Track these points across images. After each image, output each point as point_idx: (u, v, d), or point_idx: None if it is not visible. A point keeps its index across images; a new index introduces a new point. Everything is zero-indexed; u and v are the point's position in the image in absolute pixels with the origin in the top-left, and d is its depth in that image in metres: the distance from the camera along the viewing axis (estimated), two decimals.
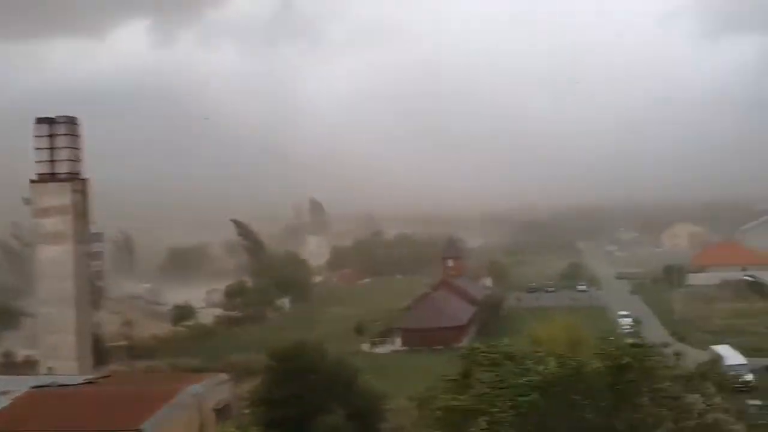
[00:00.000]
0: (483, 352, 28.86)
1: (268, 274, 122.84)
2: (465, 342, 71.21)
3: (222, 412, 35.35)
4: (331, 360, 42.85)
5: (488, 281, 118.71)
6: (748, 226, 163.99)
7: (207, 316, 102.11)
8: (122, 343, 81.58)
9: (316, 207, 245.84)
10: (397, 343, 77.05)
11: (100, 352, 58.08)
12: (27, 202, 52.75)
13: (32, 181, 51.31)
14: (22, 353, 70.18)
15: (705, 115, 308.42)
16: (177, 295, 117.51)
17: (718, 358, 50.84)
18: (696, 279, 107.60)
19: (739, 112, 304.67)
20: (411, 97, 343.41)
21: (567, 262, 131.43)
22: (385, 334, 79.62)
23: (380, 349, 76.21)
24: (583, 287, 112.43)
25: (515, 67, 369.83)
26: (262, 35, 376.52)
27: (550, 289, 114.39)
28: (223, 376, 37.99)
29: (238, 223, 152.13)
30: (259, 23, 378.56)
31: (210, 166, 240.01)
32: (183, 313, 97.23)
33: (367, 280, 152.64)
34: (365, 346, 76.66)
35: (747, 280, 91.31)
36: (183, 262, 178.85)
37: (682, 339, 62.69)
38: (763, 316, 73.08)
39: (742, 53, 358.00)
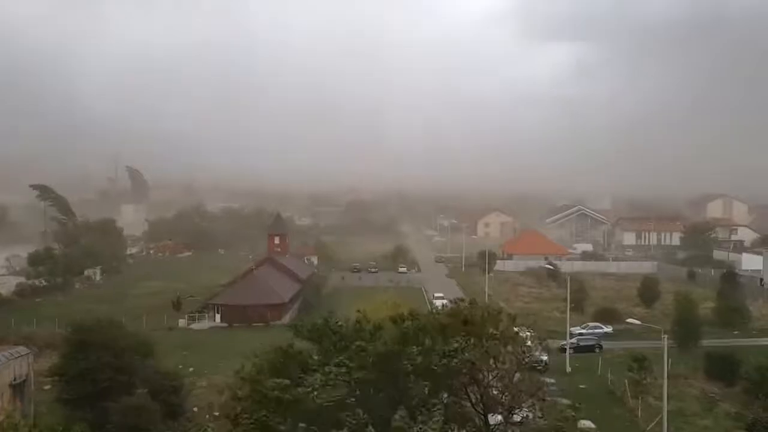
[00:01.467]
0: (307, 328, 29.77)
1: (78, 242, 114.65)
2: (286, 319, 71.59)
3: (19, 388, 32.86)
4: (129, 335, 41.38)
5: (313, 260, 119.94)
6: (551, 219, 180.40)
7: (6, 284, 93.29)
8: None
9: (134, 174, 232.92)
10: (216, 320, 75.53)
11: None
12: None
13: None
14: None
15: (520, 112, 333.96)
16: None
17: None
18: (505, 265, 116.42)
19: (550, 112, 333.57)
20: (228, 67, 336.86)
21: (390, 244, 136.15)
22: (204, 310, 77.73)
23: (197, 325, 74.31)
24: (404, 269, 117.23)
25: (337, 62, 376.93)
26: None
27: (372, 269, 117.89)
28: (22, 349, 35.35)
29: (42, 188, 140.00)
30: None
31: (15, 121, 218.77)
32: None
33: (188, 253, 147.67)
34: (182, 322, 74.34)
35: (547, 268, 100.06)
36: None
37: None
38: (558, 301, 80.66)
39: (555, 57, 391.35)
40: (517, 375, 29.54)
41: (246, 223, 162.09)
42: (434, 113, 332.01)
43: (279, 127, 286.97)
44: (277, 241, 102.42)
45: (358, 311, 32.22)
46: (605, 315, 70.96)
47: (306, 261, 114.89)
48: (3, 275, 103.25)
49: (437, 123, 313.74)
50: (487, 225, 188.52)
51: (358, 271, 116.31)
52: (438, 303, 64.02)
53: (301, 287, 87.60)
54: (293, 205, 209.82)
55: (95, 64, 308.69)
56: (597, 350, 59.85)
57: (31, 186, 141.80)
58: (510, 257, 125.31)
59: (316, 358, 27.66)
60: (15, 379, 32.50)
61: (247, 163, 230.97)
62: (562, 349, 56.59)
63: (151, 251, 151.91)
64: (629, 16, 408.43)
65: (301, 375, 25.87)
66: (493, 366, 28.99)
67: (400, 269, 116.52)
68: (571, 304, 63.04)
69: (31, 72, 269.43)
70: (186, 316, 75.74)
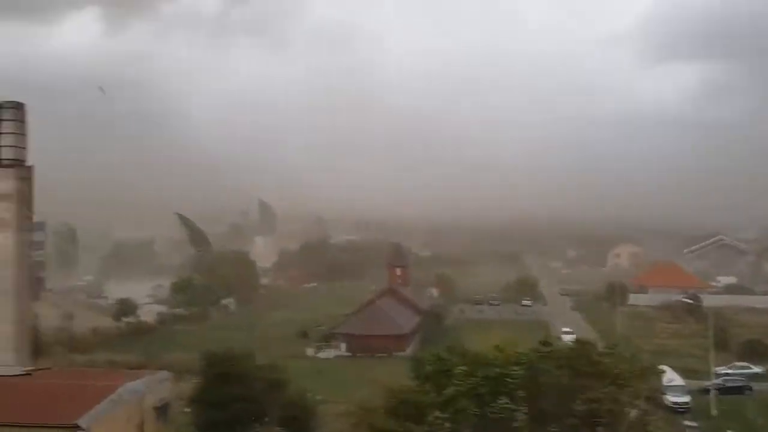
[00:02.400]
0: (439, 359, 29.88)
1: (215, 272, 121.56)
2: (408, 351, 72.06)
3: (162, 411, 35.20)
4: (262, 366, 43.07)
5: (434, 291, 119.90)
6: (689, 250, 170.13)
7: (150, 312, 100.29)
8: (62, 336, 79.51)
9: (264, 208, 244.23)
10: (341, 349, 77.30)
11: (38, 344, 56.65)
12: None
13: None
14: None
15: (650, 138, 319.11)
16: (120, 289, 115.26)
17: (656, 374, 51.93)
18: (637, 299, 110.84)
19: (682, 137, 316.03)
20: (361, 103, 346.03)
21: (512, 275, 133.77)
22: (329, 339, 79.79)
23: (324, 354, 76.34)
24: (528, 302, 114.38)
25: (468, 83, 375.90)
26: (215, 30, 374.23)
27: (494, 302, 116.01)
28: (164, 374, 37.84)
29: (182, 218, 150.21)
30: (212, 18, 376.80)
31: (158, 160, 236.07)
32: (125, 308, 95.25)
33: (313, 284, 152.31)
34: (310, 351, 76.67)
35: (685, 303, 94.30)
36: (127, 256, 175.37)
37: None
38: (698, 338, 75.79)
39: (684, 79, 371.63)
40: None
41: (369, 255, 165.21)
42: (554, 133, 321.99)
43: (396, 158, 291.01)
44: (398, 272, 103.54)
45: (498, 347, 31.22)
46: (754, 353, 65.70)
47: (427, 292, 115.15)
48: (149, 304, 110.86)
49: (557, 145, 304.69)
50: (617, 256, 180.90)
51: (480, 303, 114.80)
52: (566, 338, 62.18)
53: (421, 319, 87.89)
54: (414, 236, 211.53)
55: (219, 100, 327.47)
56: (746, 392, 55.40)
57: (175, 213, 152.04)
58: (644, 290, 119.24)
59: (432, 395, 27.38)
60: (158, 403, 34.86)
61: (369, 195, 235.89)
62: (706, 391, 52.92)
63: (281, 282, 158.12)
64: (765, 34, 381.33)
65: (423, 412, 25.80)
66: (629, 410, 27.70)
67: (524, 302, 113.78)
68: (714, 341, 59.09)
69: (160, 106, 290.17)
70: (313, 345, 78.04)
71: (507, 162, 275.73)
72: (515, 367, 27.61)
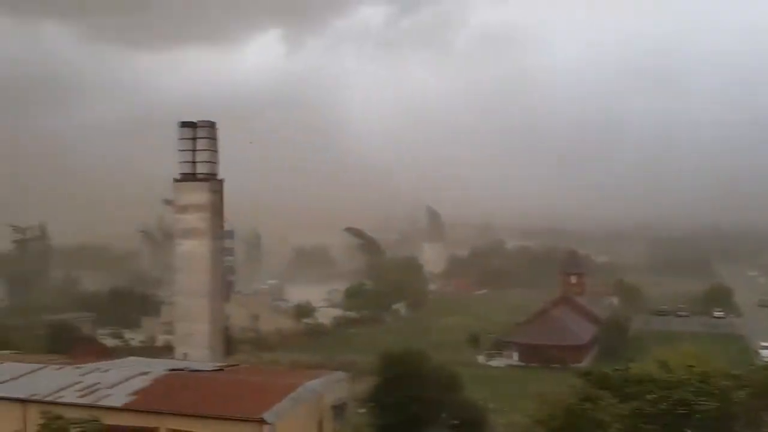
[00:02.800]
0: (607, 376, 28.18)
1: (386, 278, 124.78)
2: (585, 363, 69.16)
3: (339, 410, 36.61)
4: (438, 369, 43.18)
5: (613, 300, 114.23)
6: None
7: (326, 314, 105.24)
8: (250, 335, 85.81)
9: (432, 215, 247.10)
10: (512, 358, 75.98)
11: (229, 342, 61.42)
12: (168, 202, 56.79)
13: (175, 180, 55.20)
14: (160, 338, 75.60)
15: None
16: (299, 292, 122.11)
17: None
18: None
19: None
20: (532, 108, 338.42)
21: (702, 285, 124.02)
22: (501, 347, 78.75)
23: (495, 362, 75.48)
24: (720, 313, 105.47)
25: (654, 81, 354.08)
26: (386, 42, 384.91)
27: (682, 313, 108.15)
28: (341, 374, 39.27)
29: (353, 231, 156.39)
30: (382, 31, 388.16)
31: (333, 171, 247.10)
32: (304, 310, 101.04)
33: (483, 290, 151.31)
34: (481, 358, 76.18)
35: None
36: (306, 261, 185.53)
37: None
38: None
39: None
40: None
41: (540, 262, 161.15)
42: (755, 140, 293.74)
43: (568, 162, 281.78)
44: (573, 280, 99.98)
45: (691, 366, 28.43)
46: None
47: (605, 302, 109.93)
48: (325, 307, 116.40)
49: (747, 146, 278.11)
50: None
51: (665, 314, 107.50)
52: (765, 354, 56.64)
53: (600, 329, 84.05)
54: (590, 242, 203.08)
55: (388, 110, 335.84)
56: None
57: (345, 229, 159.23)
58: None
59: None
60: (336, 402, 36.28)
61: (541, 202, 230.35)
62: None
63: (450, 288, 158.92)
64: None
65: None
66: None
67: (716, 313, 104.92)
68: None
69: (334, 119, 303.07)
70: (484, 352, 77.43)
71: (689, 164, 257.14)
72: (703, 398, 24.64)
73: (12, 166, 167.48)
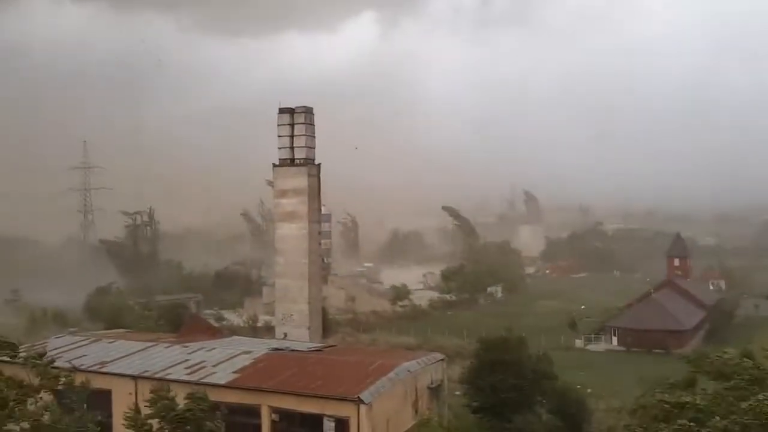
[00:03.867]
0: (711, 361, 27.09)
1: (482, 261, 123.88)
2: (689, 348, 66.47)
3: (435, 391, 37.00)
4: (533, 355, 42.74)
5: (721, 284, 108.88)
6: None
7: (422, 297, 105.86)
8: (346, 316, 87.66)
9: (529, 198, 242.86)
10: (612, 342, 74.02)
11: (327, 323, 63.06)
12: (270, 184, 58.66)
13: (275, 166, 56.96)
14: (262, 318, 78.53)
15: None
16: (395, 275, 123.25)
17: None
18: None
19: None
20: (625, 90, 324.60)
21: None
22: (600, 332, 76.84)
23: (594, 347, 73.78)
24: None
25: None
26: (477, 22, 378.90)
27: None
28: (438, 356, 39.65)
29: (450, 210, 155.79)
30: (474, 10, 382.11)
31: (429, 154, 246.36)
32: (400, 293, 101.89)
33: (582, 274, 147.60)
34: (579, 342, 74.67)
35: None
36: (401, 245, 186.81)
37: None
38: None
39: None
40: None
41: (642, 245, 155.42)
42: None
43: (669, 141, 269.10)
44: (677, 263, 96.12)
45: None
46: None
47: (712, 286, 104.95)
48: (420, 290, 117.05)
49: None
50: None
51: None
52: None
53: (706, 315, 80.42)
54: (695, 225, 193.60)
55: (483, 93, 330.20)
56: None
57: (443, 208, 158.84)
58: None
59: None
60: (432, 383, 36.67)
61: (641, 184, 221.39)
62: None
63: (547, 271, 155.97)
64: None
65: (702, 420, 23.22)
66: None
67: None
68: None
69: (427, 103, 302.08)
70: (582, 336, 75.85)
71: None
72: None
73: (122, 155, 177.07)
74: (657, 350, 67.60)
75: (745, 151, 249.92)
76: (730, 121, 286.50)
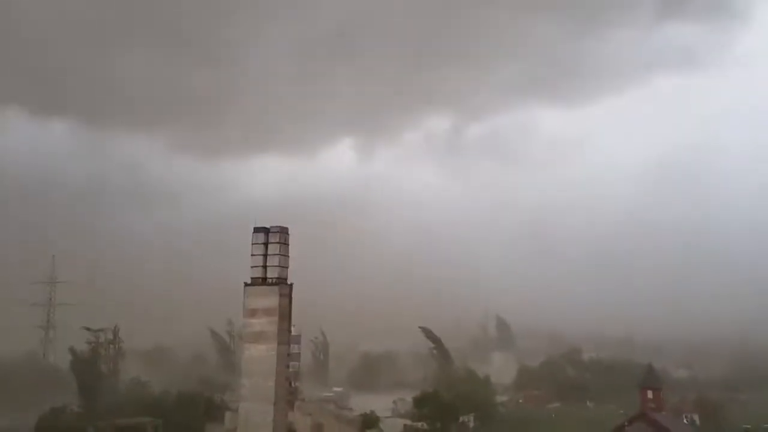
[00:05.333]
0: None
1: (455, 388, 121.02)
2: None
3: None
4: None
5: (695, 418, 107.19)
6: None
7: (392, 426, 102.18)
8: None
9: (501, 324, 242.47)
10: None
11: None
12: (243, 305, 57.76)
13: (246, 285, 56.37)
14: None
15: None
16: (365, 401, 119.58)
17: None
18: None
19: None
20: (603, 216, 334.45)
21: None
22: None
23: None
24: None
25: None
26: (450, 154, 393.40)
27: None
28: None
29: (426, 331, 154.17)
30: (446, 143, 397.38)
31: (402, 278, 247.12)
32: (369, 421, 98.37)
33: (556, 404, 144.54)
34: None
35: None
36: (373, 367, 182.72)
37: None
38: None
39: None
40: None
41: (616, 375, 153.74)
42: None
43: (644, 271, 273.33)
44: (650, 395, 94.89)
45: None
46: None
47: (685, 419, 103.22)
48: (390, 417, 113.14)
49: None
50: None
51: None
52: None
53: None
54: (667, 356, 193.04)
55: (456, 217, 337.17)
56: None
57: (419, 327, 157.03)
58: None
59: None
60: None
61: (618, 313, 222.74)
62: None
63: (520, 401, 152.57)
64: None
65: None
66: None
67: None
68: None
69: (403, 226, 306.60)
70: None
71: None
72: None
73: (88, 271, 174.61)
74: None
75: (720, 286, 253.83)
76: (710, 256, 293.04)
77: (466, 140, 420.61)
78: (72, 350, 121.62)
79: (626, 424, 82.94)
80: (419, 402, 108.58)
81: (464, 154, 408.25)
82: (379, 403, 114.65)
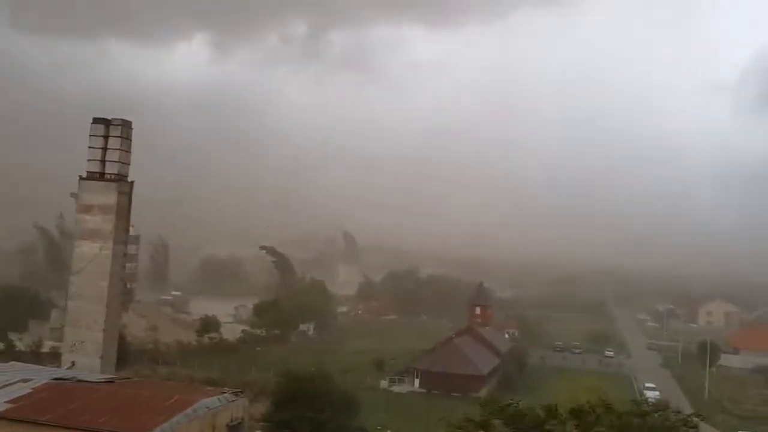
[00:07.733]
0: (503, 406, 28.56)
1: (296, 298, 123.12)
2: (484, 392, 70.17)
3: (234, 429, 35.39)
4: (335, 390, 42.80)
5: (516, 333, 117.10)
6: None
7: (231, 331, 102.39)
8: (146, 347, 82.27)
9: (348, 238, 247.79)
10: (415, 384, 76.26)
11: (123, 353, 58.57)
12: (74, 197, 53.87)
13: (81, 178, 52.44)
14: (48, 344, 71.37)
15: (749, 191, 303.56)
16: (205, 306, 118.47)
17: None
18: (729, 360, 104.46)
19: None
20: (456, 137, 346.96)
21: (597, 325, 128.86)
22: (404, 373, 78.94)
23: (398, 388, 75.51)
24: (611, 353, 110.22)
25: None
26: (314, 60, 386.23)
27: (576, 350, 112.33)
28: (239, 393, 38.11)
29: (268, 249, 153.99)
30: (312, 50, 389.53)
31: (254, 184, 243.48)
32: (208, 325, 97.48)
33: (393, 316, 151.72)
34: (383, 383, 76.02)
35: None
36: (215, 272, 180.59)
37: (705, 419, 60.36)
38: None
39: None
40: None
41: (450, 292, 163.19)
42: (657, 194, 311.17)
43: (484, 195, 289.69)
44: (478, 311, 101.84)
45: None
46: None
47: (507, 335, 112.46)
48: (230, 323, 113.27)
49: (661, 205, 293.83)
50: (709, 313, 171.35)
51: (561, 350, 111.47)
52: (649, 395, 58.98)
53: (500, 361, 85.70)
54: (497, 276, 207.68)
55: (314, 128, 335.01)
56: None
57: (261, 247, 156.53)
58: (736, 352, 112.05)
59: None
60: (232, 421, 35.08)
61: (457, 232, 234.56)
62: None
63: (360, 311, 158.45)
64: None
65: None
66: None
67: (607, 353, 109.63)
68: None
69: (258, 132, 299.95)
70: (387, 378, 77.34)
71: (599, 209, 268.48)
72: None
73: None
74: (455, 393, 70.63)
75: (552, 212, 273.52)
76: (545, 182, 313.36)
77: (330, 51, 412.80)
78: None
79: (453, 336, 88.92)
80: (259, 309, 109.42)
81: (323, 62, 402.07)
82: (220, 309, 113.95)
